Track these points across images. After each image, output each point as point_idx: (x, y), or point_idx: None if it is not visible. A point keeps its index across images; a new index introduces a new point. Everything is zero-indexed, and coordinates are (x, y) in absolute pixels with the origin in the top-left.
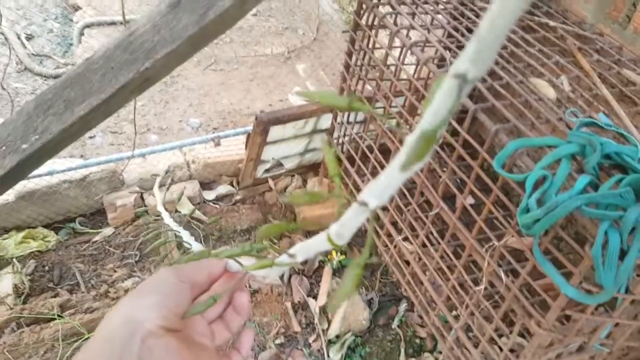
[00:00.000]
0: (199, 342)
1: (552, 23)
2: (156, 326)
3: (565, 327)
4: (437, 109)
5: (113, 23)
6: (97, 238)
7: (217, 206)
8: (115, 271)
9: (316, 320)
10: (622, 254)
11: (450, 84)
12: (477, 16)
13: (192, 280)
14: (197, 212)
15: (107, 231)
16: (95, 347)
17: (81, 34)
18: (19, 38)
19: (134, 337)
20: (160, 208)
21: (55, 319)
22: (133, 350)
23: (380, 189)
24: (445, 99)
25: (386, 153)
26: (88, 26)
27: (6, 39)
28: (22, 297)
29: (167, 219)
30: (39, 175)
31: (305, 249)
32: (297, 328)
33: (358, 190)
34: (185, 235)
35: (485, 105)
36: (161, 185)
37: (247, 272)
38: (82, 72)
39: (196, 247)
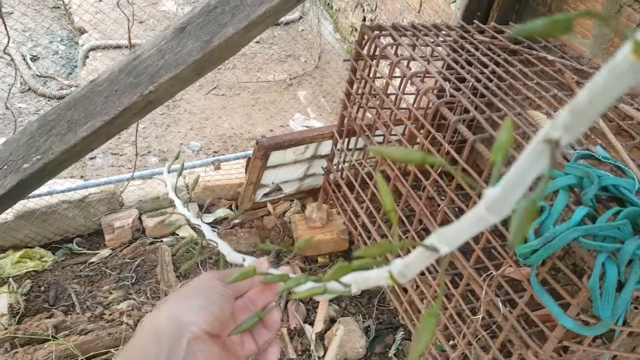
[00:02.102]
0: (234, 350)
1: (550, 57)
2: (201, 330)
3: (563, 358)
4: (523, 171)
5: (118, 47)
6: (93, 259)
7: (216, 229)
8: (110, 293)
9: (312, 347)
10: (620, 286)
11: (540, 149)
12: (477, 49)
13: (236, 287)
14: (194, 233)
15: (104, 252)
16: (144, 343)
17: (86, 56)
18: (24, 59)
19: (181, 339)
20: (172, 195)
21: (49, 340)
22: (179, 351)
23: (453, 236)
24: (533, 163)
25: (385, 180)
26: (93, 49)
27: (12, 59)
28: (17, 317)
29: (180, 207)
30: (39, 195)
31: (362, 281)
32: (292, 355)
33: (357, 216)
34: (207, 231)
35: (484, 135)
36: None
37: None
38: (86, 94)
39: (225, 248)
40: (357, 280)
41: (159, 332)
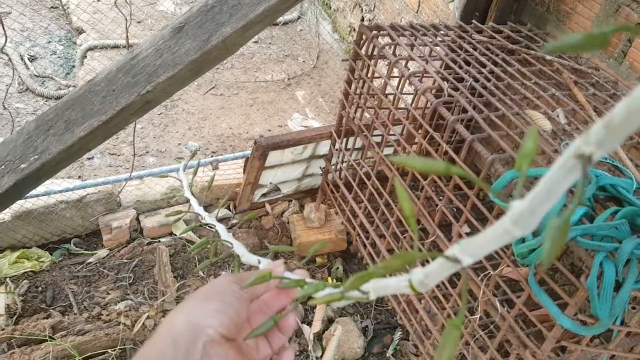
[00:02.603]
0: (249, 354)
1: (548, 57)
2: (218, 334)
3: (561, 358)
4: (552, 186)
5: (116, 46)
6: (91, 259)
7: (213, 230)
8: (108, 293)
9: (310, 348)
10: (617, 286)
11: (571, 163)
12: (475, 49)
13: (251, 290)
14: (192, 234)
15: (102, 253)
16: (160, 347)
17: (84, 56)
18: (22, 59)
19: (197, 342)
20: (188, 194)
21: (46, 340)
22: (195, 355)
23: (476, 248)
24: (563, 177)
25: (383, 180)
26: (91, 49)
27: (10, 59)
28: (14, 318)
29: (197, 207)
30: (36, 195)
31: (380, 288)
32: None
33: (355, 216)
34: (222, 231)
35: (482, 135)
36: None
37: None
38: (83, 94)
39: (240, 249)
40: (376, 288)
41: (176, 335)
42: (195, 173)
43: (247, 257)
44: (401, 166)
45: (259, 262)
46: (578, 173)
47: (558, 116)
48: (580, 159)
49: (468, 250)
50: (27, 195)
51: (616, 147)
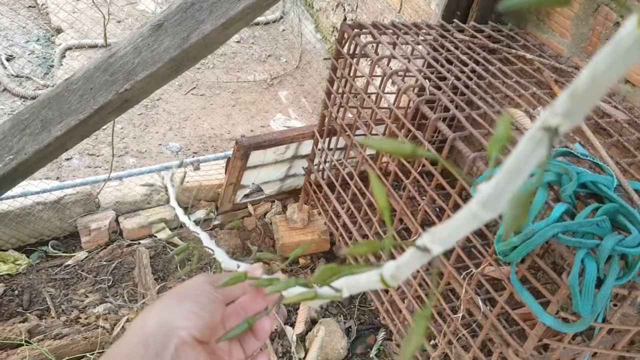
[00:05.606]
0: (222, 358)
1: (529, 56)
2: (190, 336)
3: (543, 356)
4: (520, 162)
5: (95, 46)
6: (69, 262)
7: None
8: (87, 296)
9: (293, 349)
10: (599, 283)
11: (538, 137)
12: (456, 47)
13: (227, 292)
14: (175, 237)
15: (80, 255)
16: (130, 347)
17: (62, 56)
18: None
19: (168, 344)
20: (174, 203)
21: (23, 345)
22: (166, 358)
23: (446, 235)
24: (531, 153)
25: (366, 180)
26: (70, 48)
27: None
28: None
29: (182, 216)
30: (12, 197)
31: (353, 285)
32: (273, 357)
33: (338, 216)
34: (205, 239)
35: (464, 134)
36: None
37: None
38: (60, 92)
39: (221, 255)
40: (349, 285)
41: (147, 336)
42: (182, 182)
43: (228, 263)
44: (384, 166)
45: (238, 266)
46: (545, 147)
47: (539, 114)
48: (547, 132)
49: (438, 238)
50: (3, 196)
51: (584, 117)
